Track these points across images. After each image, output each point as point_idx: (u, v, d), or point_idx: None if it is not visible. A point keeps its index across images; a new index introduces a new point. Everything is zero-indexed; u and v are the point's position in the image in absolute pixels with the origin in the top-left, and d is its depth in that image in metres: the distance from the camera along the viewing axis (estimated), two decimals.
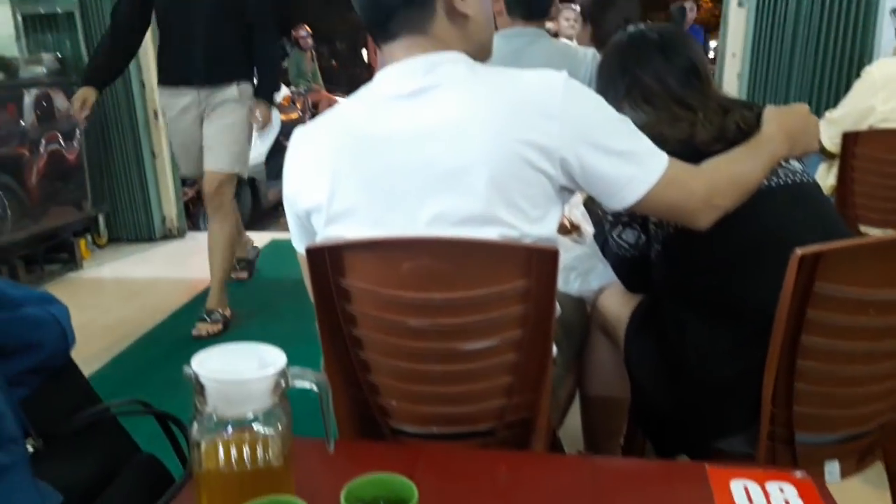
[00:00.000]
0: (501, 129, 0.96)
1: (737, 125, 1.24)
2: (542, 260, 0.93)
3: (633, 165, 1.01)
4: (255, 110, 2.87)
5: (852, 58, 3.27)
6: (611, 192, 1.02)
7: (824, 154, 2.54)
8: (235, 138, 2.86)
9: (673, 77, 1.36)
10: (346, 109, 1.08)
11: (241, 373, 0.63)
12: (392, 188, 1.00)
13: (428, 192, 0.98)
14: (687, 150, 1.18)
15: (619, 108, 1.31)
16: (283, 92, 5.24)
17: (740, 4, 3.45)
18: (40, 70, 3.55)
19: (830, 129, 2.46)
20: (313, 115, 7.45)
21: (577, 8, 5.03)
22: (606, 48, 1.49)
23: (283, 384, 0.65)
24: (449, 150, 0.97)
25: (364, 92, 1.08)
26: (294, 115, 5.55)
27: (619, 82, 1.39)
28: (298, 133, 1.11)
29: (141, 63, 3.92)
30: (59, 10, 3.74)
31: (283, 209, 1.17)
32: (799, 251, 0.99)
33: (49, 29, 3.83)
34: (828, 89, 3.31)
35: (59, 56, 3.70)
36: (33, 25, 3.83)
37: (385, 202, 1.00)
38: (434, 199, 0.98)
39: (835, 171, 2.47)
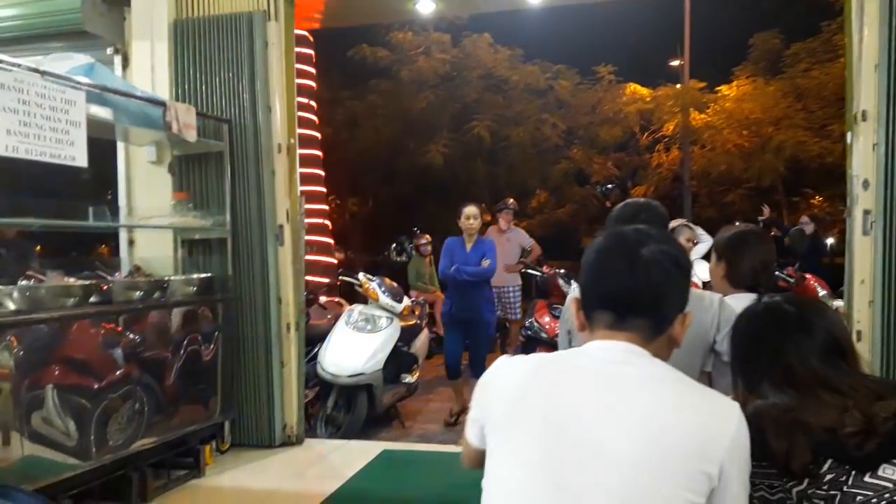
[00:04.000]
0: (681, 453, 1.08)
1: (891, 416, 1.18)
2: None
3: None
4: None
5: None
6: None
7: None
8: None
9: (815, 356, 1.33)
10: (552, 359, 1.26)
11: None
12: (565, 450, 1.12)
13: (595, 480, 1.09)
14: (831, 442, 1.14)
15: (757, 388, 1.30)
16: (405, 302, 5.51)
17: (865, 233, 3.41)
18: (191, 290, 3.94)
19: None
20: (430, 318, 7.76)
21: (693, 227, 5.15)
22: (740, 318, 1.49)
23: None
24: (626, 454, 1.09)
25: (570, 353, 1.26)
26: (412, 322, 5.78)
27: (758, 359, 1.37)
28: (502, 362, 1.30)
29: (280, 279, 4.29)
30: (213, 236, 4.21)
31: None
32: None
33: (203, 251, 4.30)
34: None
35: (210, 275, 4.10)
36: (190, 248, 4.32)
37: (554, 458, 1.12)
38: (600, 486, 1.08)
39: None
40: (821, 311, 1.39)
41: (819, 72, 13.78)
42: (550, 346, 4.44)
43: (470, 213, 5.39)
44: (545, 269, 4.94)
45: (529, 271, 4.96)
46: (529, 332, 4.57)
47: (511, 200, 8.29)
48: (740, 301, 2.33)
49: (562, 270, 5.18)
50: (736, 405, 1.13)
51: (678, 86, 15.49)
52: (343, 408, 4.89)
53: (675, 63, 16.11)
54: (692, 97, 14.95)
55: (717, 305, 2.16)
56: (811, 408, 1.22)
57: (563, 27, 14.40)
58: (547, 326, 4.49)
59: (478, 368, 5.20)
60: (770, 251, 2.55)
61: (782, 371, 1.32)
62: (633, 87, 15.25)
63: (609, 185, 16.38)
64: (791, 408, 1.23)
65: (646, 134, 15.93)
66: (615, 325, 1.21)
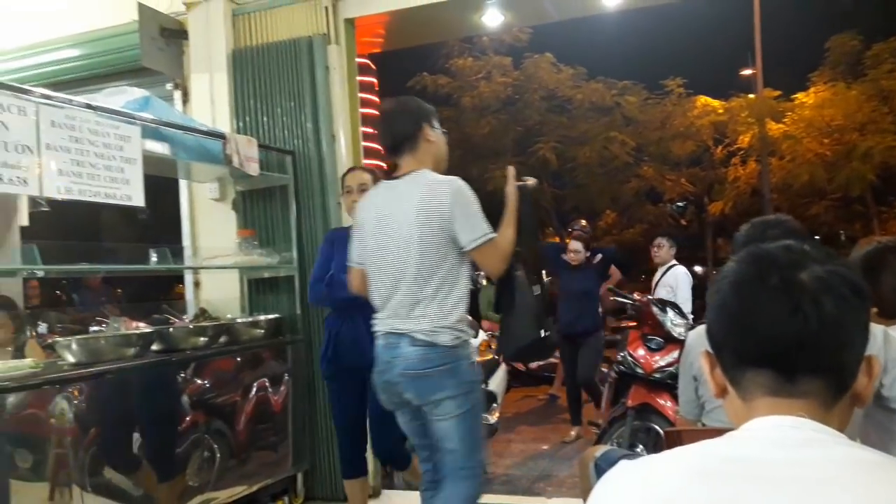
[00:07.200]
0: None
1: None
2: None
3: None
4: None
5: None
6: None
7: None
8: None
9: None
10: (705, 464, 0.80)
11: None
12: None
13: None
14: None
15: None
16: (482, 336, 5.15)
17: None
18: (258, 332, 3.69)
19: None
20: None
21: None
22: None
23: None
24: None
25: (728, 449, 0.81)
26: (489, 357, 5.42)
27: None
28: (624, 472, 0.84)
29: None
30: (281, 274, 3.97)
31: None
32: None
33: (270, 290, 4.05)
34: None
35: (278, 316, 3.85)
36: (257, 288, 4.08)
37: None
38: None
39: None
40: None
41: None
42: (647, 382, 4.00)
43: (354, 182, 3.22)
44: (636, 296, 4.51)
45: (619, 299, 4.53)
46: (623, 367, 4.14)
47: (583, 222, 7.86)
48: None
49: (653, 297, 4.73)
50: None
51: (751, 96, 14.83)
52: None
53: (747, 72, 15.45)
54: (767, 106, 14.28)
55: (881, 340, 1.75)
56: None
57: (627, 42, 14.02)
58: (642, 360, 4.05)
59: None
60: None
61: None
62: (704, 100, 14.65)
63: (681, 203, 15.67)
64: None
65: (720, 147, 15.28)
66: (780, 389, 0.83)
